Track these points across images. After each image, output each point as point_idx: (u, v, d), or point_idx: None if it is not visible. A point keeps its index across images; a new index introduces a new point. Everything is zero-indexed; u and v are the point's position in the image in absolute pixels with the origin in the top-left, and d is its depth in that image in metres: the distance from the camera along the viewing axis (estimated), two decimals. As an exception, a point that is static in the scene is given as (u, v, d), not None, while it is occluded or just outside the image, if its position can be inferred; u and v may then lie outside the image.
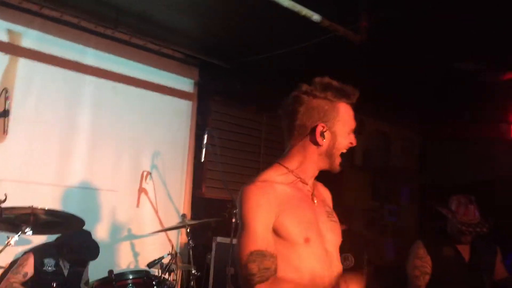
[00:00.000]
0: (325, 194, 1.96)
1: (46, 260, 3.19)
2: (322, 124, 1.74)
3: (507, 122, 6.10)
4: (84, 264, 3.37)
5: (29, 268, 3.12)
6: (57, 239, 3.26)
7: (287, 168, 1.78)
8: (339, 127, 1.76)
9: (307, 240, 1.70)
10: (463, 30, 3.80)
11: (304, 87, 1.78)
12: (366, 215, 6.53)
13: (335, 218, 1.88)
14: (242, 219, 1.68)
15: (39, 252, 3.20)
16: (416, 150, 7.24)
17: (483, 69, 4.60)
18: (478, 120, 6.13)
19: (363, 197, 6.57)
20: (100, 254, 3.39)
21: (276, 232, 1.67)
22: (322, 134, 1.73)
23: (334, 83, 1.78)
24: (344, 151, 1.80)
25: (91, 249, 3.30)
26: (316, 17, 3.40)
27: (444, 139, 6.83)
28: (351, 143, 1.79)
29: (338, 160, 1.80)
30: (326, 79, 1.78)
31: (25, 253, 3.21)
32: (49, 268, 3.19)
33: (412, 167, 7.19)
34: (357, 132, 1.81)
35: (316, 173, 1.84)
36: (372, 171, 6.60)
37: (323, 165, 1.81)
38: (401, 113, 6.25)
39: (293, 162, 1.79)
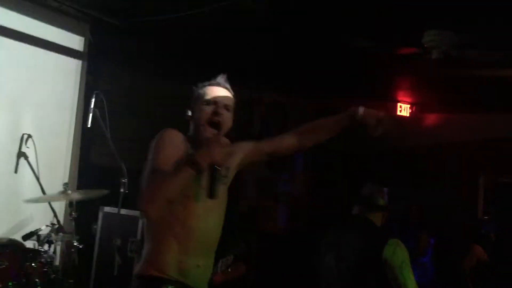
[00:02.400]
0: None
1: None
2: (190, 105, 2.09)
3: (394, 100, 6.48)
4: None
5: None
6: None
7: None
8: (197, 102, 2.07)
9: None
10: (356, 6, 3.89)
11: None
12: (261, 184, 6.65)
13: None
14: None
15: None
16: (312, 121, 7.46)
17: (373, 46, 4.77)
18: (368, 96, 6.42)
19: (258, 166, 6.66)
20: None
21: None
22: (188, 112, 2.08)
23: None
24: (205, 122, 2.01)
25: None
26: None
27: (337, 113, 7.11)
28: (207, 113, 2.01)
29: (204, 132, 2.00)
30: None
31: None
32: None
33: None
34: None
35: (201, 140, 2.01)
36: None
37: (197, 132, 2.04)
38: (297, 86, 6.36)
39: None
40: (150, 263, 1.93)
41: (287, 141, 2.30)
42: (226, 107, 2.06)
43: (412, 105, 6.49)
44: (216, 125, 2.00)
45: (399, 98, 6.47)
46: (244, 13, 3.72)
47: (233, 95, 2.14)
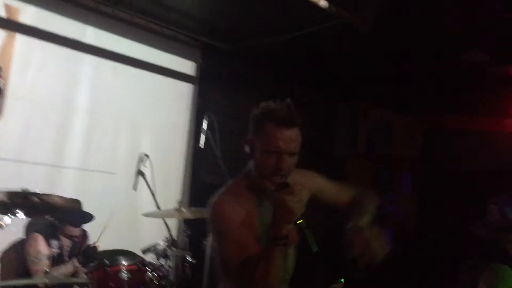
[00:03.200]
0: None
1: (52, 242, 3.17)
2: (249, 139, 1.87)
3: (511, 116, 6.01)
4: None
5: (44, 249, 3.07)
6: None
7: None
8: (258, 144, 1.83)
9: None
10: (471, 19, 3.70)
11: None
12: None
13: None
14: None
15: (44, 232, 3.14)
16: (419, 139, 7.17)
17: (489, 61, 4.50)
18: (481, 112, 6.04)
19: (364, 185, 6.51)
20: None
21: None
22: (247, 147, 1.87)
23: (272, 106, 1.83)
24: (268, 175, 1.80)
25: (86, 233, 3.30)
26: (323, 2, 3.30)
27: (447, 129, 6.76)
28: (270, 164, 1.78)
29: (267, 181, 1.81)
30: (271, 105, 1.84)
31: (28, 233, 3.15)
32: (55, 250, 3.17)
33: (414, 156, 7.13)
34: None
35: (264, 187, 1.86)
36: (375, 159, 6.53)
37: (257, 180, 1.86)
38: (405, 102, 6.17)
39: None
40: None
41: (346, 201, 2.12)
42: (290, 154, 1.80)
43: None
44: (280, 175, 1.78)
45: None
46: (351, 31, 3.69)
47: (299, 128, 1.82)
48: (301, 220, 1.69)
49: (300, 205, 1.72)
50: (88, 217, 3.33)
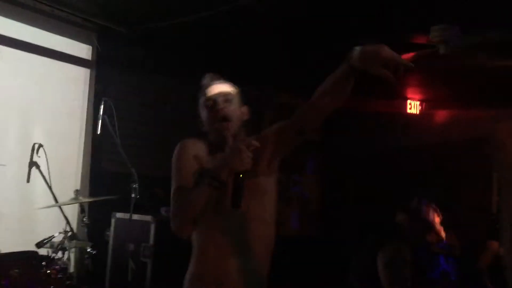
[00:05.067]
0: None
1: None
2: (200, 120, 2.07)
3: (404, 98, 6.42)
4: None
5: None
6: None
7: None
8: (202, 112, 2.06)
9: None
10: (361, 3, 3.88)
11: None
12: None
13: None
14: None
15: None
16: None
17: (380, 43, 4.73)
18: (376, 95, 6.39)
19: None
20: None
21: None
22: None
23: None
24: (214, 121, 1.98)
25: None
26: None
27: (347, 112, 7.06)
28: (214, 113, 1.98)
29: (215, 132, 1.99)
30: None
31: None
32: None
33: (317, 139, 7.39)
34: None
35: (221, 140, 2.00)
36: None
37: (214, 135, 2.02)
38: (307, 86, 6.33)
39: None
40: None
41: (306, 109, 2.07)
42: (225, 100, 2.02)
43: (421, 102, 6.42)
44: (223, 118, 1.97)
45: (409, 96, 6.41)
46: (249, 15, 3.72)
47: (231, 86, 2.10)
48: (242, 175, 1.79)
49: (249, 161, 1.82)
50: None
